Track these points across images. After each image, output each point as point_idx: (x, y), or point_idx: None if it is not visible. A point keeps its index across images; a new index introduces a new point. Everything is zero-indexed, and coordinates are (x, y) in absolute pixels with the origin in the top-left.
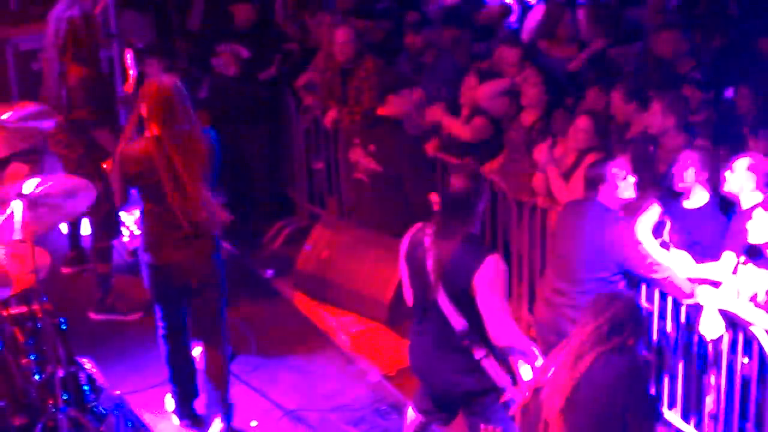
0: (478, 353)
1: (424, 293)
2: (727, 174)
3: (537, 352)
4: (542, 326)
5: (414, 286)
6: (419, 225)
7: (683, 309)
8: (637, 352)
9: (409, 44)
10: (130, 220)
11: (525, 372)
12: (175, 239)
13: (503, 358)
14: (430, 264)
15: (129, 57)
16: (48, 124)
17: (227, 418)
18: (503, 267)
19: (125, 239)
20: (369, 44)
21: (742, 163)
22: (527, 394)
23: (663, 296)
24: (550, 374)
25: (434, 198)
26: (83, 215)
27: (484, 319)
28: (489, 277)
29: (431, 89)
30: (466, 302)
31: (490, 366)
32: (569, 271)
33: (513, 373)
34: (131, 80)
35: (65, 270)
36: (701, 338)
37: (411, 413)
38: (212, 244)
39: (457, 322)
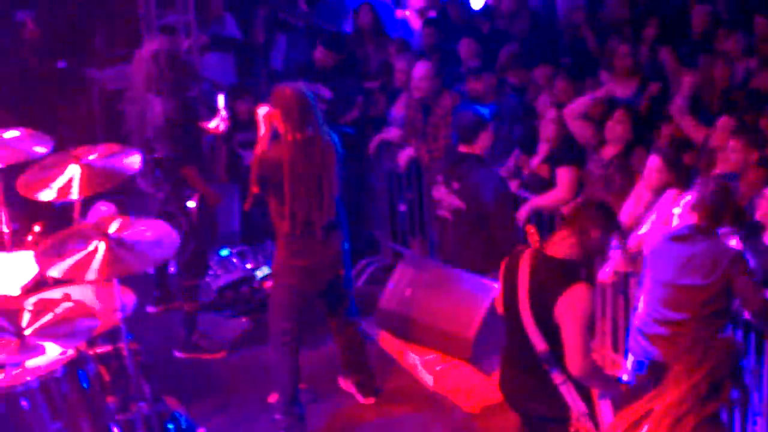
0: (557, 378)
1: (512, 312)
2: None
3: (619, 386)
4: (651, 364)
5: (505, 302)
6: (521, 247)
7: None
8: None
9: (470, 89)
10: (215, 258)
11: (604, 406)
12: (312, 240)
13: (584, 387)
14: (520, 284)
15: (222, 98)
16: (132, 166)
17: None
18: (589, 297)
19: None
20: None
21: None
22: None
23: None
24: (644, 431)
25: (530, 230)
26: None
27: (564, 346)
28: (572, 305)
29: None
30: (549, 325)
31: (568, 392)
32: (681, 299)
33: (592, 404)
34: (223, 121)
35: (151, 309)
36: None
37: None
38: (340, 236)
39: (539, 343)
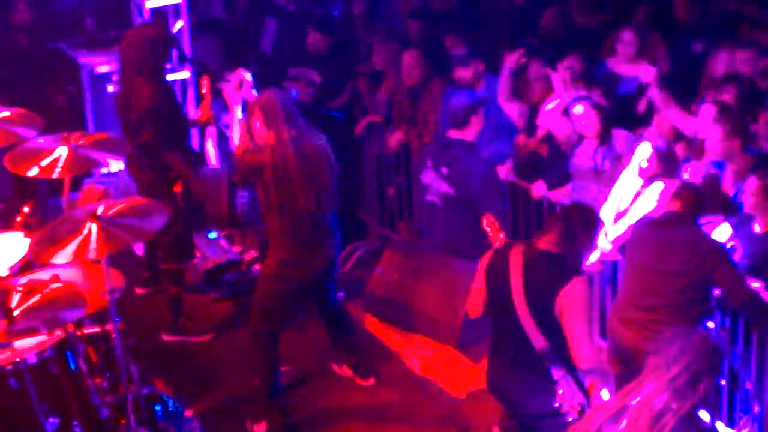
0: (557, 373)
1: (504, 310)
2: None
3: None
4: (623, 350)
5: (492, 302)
6: (506, 241)
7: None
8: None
9: (458, 78)
10: (203, 241)
11: (604, 396)
12: (303, 243)
13: (580, 380)
14: (513, 280)
15: (205, 83)
16: (116, 156)
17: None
18: (588, 289)
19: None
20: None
21: None
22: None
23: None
24: (623, 426)
25: (488, 220)
26: (156, 236)
27: (569, 341)
28: (574, 298)
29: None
30: (548, 321)
31: (568, 386)
32: (658, 284)
33: (588, 396)
34: (207, 105)
35: (139, 290)
36: None
37: None
38: (331, 245)
39: (538, 340)
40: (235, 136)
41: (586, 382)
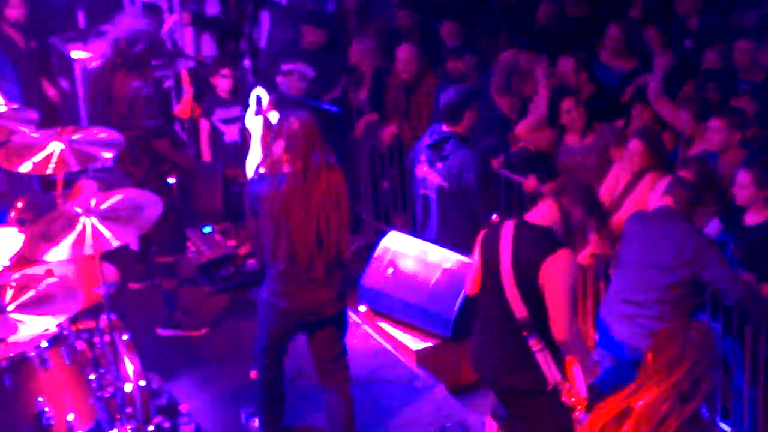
0: (535, 345)
1: (492, 283)
2: None
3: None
4: (615, 344)
5: (484, 274)
6: (500, 218)
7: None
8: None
9: (451, 69)
10: (198, 235)
11: (577, 374)
12: (303, 281)
13: (559, 356)
14: (503, 252)
15: (185, 75)
16: (112, 150)
17: None
18: (573, 262)
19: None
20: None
21: None
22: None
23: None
24: (626, 428)
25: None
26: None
27: (549, 311)
28: (557, 270)
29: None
30: (531, 291)
31: (545, 360)
32: (647, 280)
33: (564, 374)
34: (188, 97)
35: (133, 285)
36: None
37: (488, 422)
38: (340, 280)
39: (520, 310)
40: (253, 154)
41: (564, 360)
